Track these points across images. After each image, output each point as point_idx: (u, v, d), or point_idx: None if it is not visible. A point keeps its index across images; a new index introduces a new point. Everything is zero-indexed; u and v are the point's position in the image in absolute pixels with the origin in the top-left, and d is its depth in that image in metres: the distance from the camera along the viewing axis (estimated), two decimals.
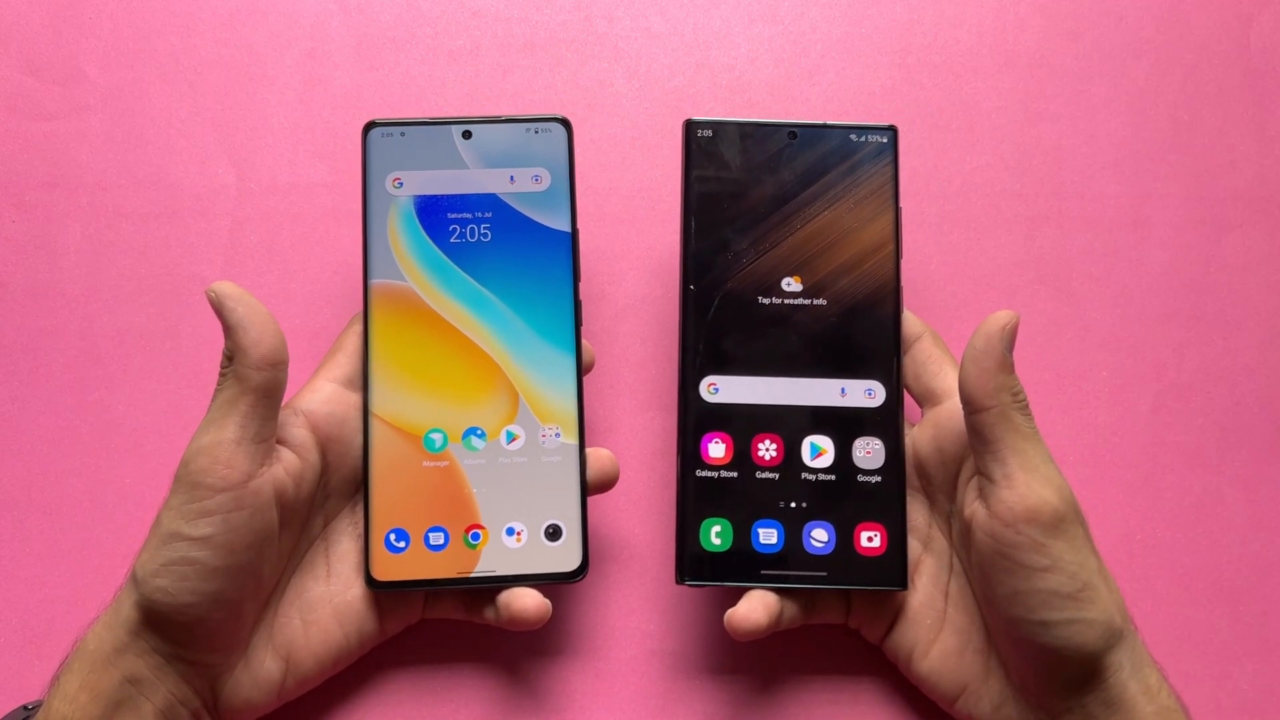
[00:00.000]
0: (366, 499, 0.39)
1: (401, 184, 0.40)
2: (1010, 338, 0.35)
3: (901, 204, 0.42)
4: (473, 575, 0.38)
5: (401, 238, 0.40)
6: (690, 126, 0.41)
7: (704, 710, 0.42)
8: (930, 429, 0.39)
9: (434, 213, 0.40)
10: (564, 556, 0.39)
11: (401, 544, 0.38)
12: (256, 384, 0.35)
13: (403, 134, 0.40)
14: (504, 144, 0.40)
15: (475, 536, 0.39)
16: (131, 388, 0.45)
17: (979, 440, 0.35)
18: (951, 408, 0.39)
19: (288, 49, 0.48)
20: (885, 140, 0.41)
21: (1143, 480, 0.45)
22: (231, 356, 0.35)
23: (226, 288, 0.36)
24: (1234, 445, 0.46)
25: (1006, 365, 0.35)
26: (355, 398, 0.39)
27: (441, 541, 0.38)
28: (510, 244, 0.40)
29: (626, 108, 0.48)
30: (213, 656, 0.35)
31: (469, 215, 0.40)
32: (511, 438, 0.39)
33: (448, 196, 0.40)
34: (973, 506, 0.36)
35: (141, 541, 0.35)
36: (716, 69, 0.48)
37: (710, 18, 0.48)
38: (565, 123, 0.41)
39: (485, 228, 0.40)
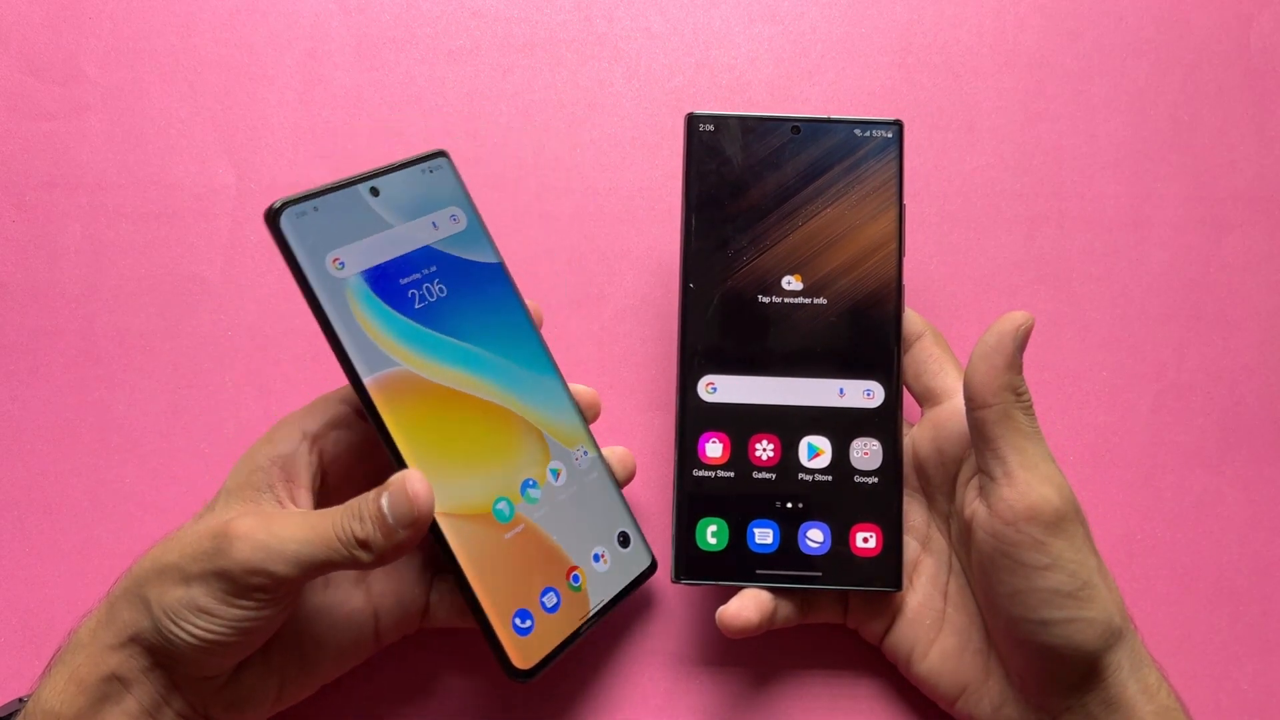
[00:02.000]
0: (473, 599, 0.36)
1: (343, 264, 0.35)
2: (1023, 338, 0.35)
3: (904, 201, 0.41)
4: (592, 614, 0.39)
5: (372, 322, 0.36)
6: (692, 120, 0.41)
7: (703, 709, 0.42)
8: (930, 429, 0.39)
9: (386, 282, 0.36)
10: (639, 558, 0.40)
11: (527, 624, 0.37)
12: (345, 560, 0.33)
13: (316, 208, 0.35)
14: (411, 192, 0.37)
15: (575, 580, 0.38)
16: (131, 388, 0.45)
17: (980, 437, 0.36)
18: (951, 408, 0.38)
19: (288, 49, 0.48)
20: (890, 135, 0.41)
21: (1143, 480, 0.45)
22: (368, 542, 0.33)
23: (425, 500, 0.33)
24: (1234, 445, 0.46)
25: (1015, 365, 0.35)
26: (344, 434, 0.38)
27: (555, 602, 0.38)
28: (462, 290, 0.38)
29: (626, 107, 0.48)
30: (208, 680, 0.35)
31: (418, 275, 0.37)
32: (555, 474, 0.39)
33: (390, 262, 0.36)
34: (973, 505, 0.36)
35: (141, 541, 0.35)
36: (716, 69, 0.48)
37: (710, 18, 0.48)
38: (444, 154, 0.38)
39: (438, 284, 0.37)
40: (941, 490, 0.39)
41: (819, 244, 0.40)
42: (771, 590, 0.39)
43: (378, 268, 0.36)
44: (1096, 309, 0.46)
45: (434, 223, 0.37)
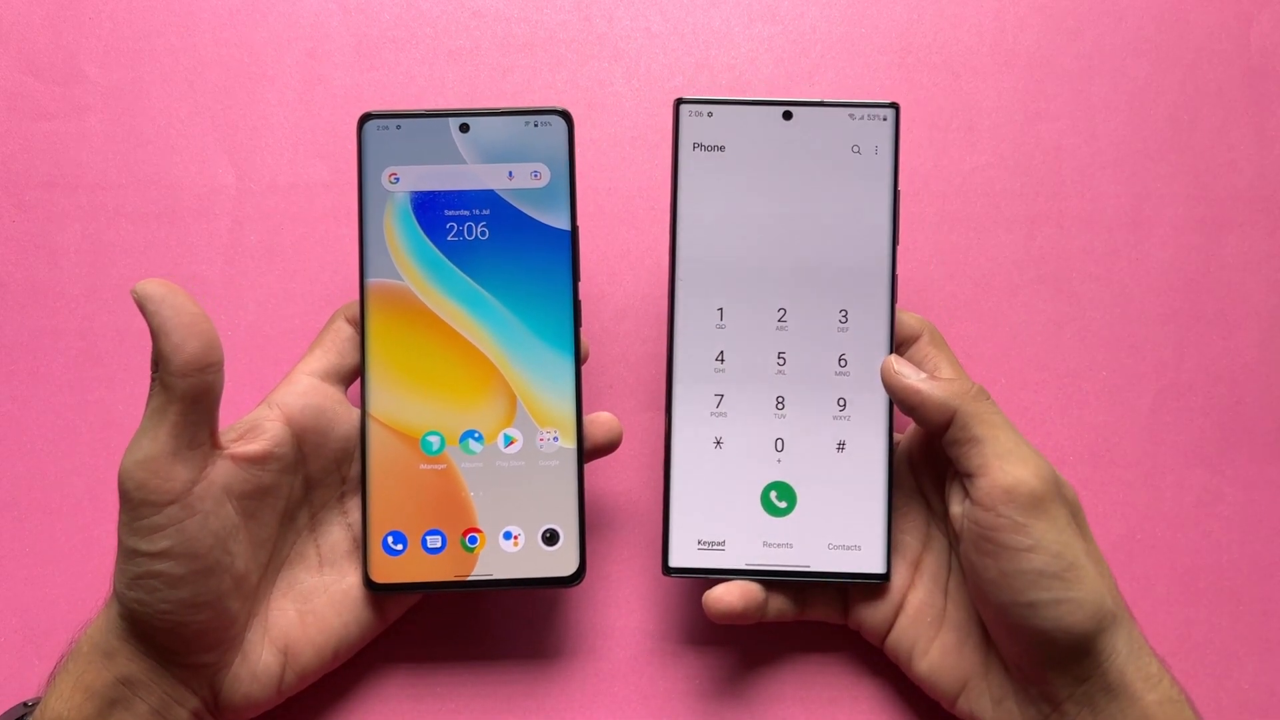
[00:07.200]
0: (364, 501, 0.39)
1: (398, 179, 0.39)
2: (901, 375, 0.37)
3: (900, 199, 0.41)
4: (470, 579, 0.38)
5: (398, 235, 0.39)
6: (680, 106, 0.40)
7: (704, 709, 0.42)
8: (923, 430, 0.39)
9: (431, 210, 0.39)
10: (561, 561, 0.39)
11: (399, 546, 0.38)
12: (183, 392, 0.33)
13: (399, 127, 0.39)
14: (502, 138, 0.39)
15: (473, 540, 0.39)
16: (132, 388, 0.45)
17: (953, 448, 0.36)
18: None
19: (288, 49, 0.48)
20: (885, 119, 0.40)
21: (1143, 480, 0.45)
22: (157, 363, 0.33)
23: (149, 288, 0.33)
24: (1234, 445, 0.46)
25: (928, 381, 0.37)
26: (332, 389, 0.39)
27: (439, 544, 0.39)
28: (508, 243, 0.39)
29: (626, 107, 0.48)
30: (205, 656, 0.35)
31: (466, 213, 0.39)
32: (509, 441, 0.39)
33: (445, 193, 0.39)
34: (956, 498, 0.37)
35: None
36: (716, 69, 0.48)
37: (710, 18, 0.48)
38: (566, 115, 0.39)
39: (483, 226, 0.39)
40: (937, 489, 0.39)
41: (811, 234, 0.39)
42: (763, 582, 0.39)
43: (428, 193, 0.39)
44: (1096, 309, 0.46)
45: (510, 172, 0.39)
